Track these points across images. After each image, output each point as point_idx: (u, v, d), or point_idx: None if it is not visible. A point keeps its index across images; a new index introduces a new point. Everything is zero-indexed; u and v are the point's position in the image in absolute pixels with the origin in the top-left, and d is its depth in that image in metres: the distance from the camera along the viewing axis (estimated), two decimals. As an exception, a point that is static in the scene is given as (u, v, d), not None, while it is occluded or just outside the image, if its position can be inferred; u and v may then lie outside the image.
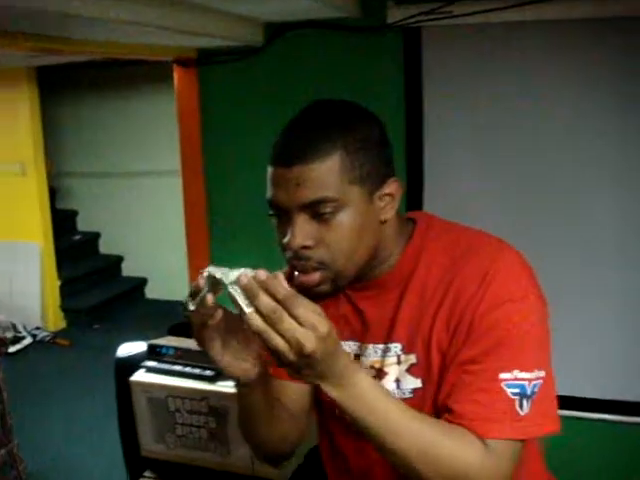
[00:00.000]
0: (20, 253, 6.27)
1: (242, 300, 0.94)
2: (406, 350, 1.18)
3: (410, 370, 1.18)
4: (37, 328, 6.18)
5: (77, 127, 7.02)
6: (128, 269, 7.31)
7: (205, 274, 0.98)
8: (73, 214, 7.37)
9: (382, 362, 1.21)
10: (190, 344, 2.50)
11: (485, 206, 2.49)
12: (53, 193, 7.01)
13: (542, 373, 1.08)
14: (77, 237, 7.26)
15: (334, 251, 1.11)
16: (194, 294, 1.00)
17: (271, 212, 1.14)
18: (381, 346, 1.21)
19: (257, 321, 0.93)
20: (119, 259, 7.32)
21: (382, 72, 2.53)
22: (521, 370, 1.06)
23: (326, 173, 1.08)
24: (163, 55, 2.79)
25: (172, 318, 3.67)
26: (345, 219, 1.10)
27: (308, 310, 0.94)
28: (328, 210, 1.09)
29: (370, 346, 1.23)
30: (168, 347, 2.61)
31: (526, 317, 1.09)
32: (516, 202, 2.49)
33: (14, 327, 6.06)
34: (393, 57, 2.49)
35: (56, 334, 6.16)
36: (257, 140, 2.60)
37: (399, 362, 1.19)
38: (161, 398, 2.45)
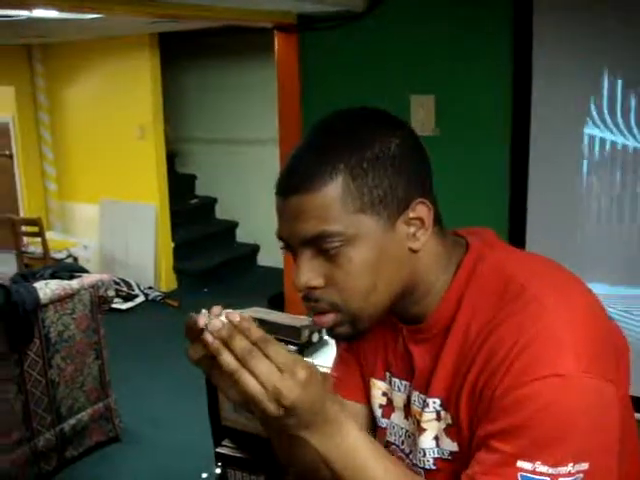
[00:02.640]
0: (137, 214, 6.47)
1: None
2: (445, 407, 1.01)
3: (447, 431, 1.01)
4: (150, 288, 6.40)
5: (198, 94, 7.15)
6: (242, 235, 7.40)
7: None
8: (192, 178, 7.52)
9: (421, 415, 1.04)
10: (278, 318, 2.47)
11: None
12: (173, 157, 7.19)
13: (584, 466, 0.86)
14: (194, 201, 7.41)
15: (345, 292, 0.96)
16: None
17: (282, 245, 1.00)
18: (423, 397, 1.05)
19: (229, 358, 0.82)
20: (234, 225, 7.42)
21: (488, 36, 2.37)
22: (544, 463, 0.85)
23: (326, 203, 0.92)
24: (265, 20, 2.74)
25: (279, 287, 3.69)
26: (355, 255, 0.94)
27: (285, 353, 0.84)
28: (333, 245, 0.93)
29: (415, 393, 1.07)
30: (254, 319, 2.58)
31: (567, 399, 0.86)
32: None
33: (128, 285, 6.29)
34: (500, 21, 2.32)
35: (167, 295, 6.35)
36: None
37: (439, 419, 1.02)
38: (241, 368, 2.43)
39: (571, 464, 0.85)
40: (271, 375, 0.82)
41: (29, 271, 3.96)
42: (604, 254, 2.25)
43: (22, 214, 7.01)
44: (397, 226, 0.96)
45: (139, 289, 6.32)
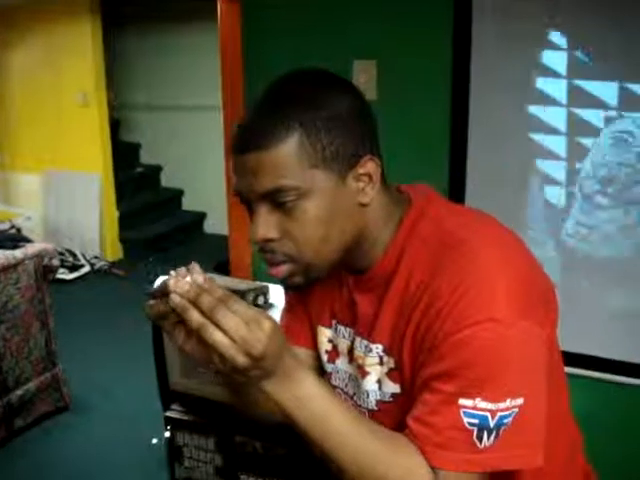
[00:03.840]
0: (81, 183, 6.37)
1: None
2: (387, 352, 1.08)
3: (390, 374, 1.08)
4: (95, 257, 6.33)
5: (142, 60, 7.03)
6: (188, 203, 7.36)
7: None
8: (136, 147, 7.43)
9: (364, 359, 1.12)
10: (224, 282, 2.49)
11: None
12: (117, 125, 7.08)
13: (519, 401, 0.94)
14: (139, 170, 7.33)
15: (300, 243, 1.02)
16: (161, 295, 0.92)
17: (238, 200, 1.07)
18: (366, 342, 1.12)
19: (195, 315, 0.87)
20: (179, 193, 7.37)
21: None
22: (484, 399, 0.93)
23: (282, 159, 0.97)
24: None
25: (226, 254, 3.70)
26: (310, 208, 1.00)
27: (249, 308, 0.89)
28: (289, 199, 0.99)
29: (358, 339, 1.14)
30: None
31: (501, 340, 0.94)
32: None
33: (73, 255, 6.22)
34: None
35: (113, 264, 6.30)
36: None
37: (381, 363, 1.09)
38: (188, 333, 2.45)
39: (509, 399, 0.94)
40: (239, 327, 0.87)
41: (-29, 242, 3.89)
42: (541, 215, 2.32)
43: (-39, 185, 6.85)
44: (348, 181, 1.02)
45: (85, 259, 6.26)
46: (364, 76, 2.50)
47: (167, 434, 2.55)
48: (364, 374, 1.11)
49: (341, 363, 1.21)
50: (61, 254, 6.11)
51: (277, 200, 0.99)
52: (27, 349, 3.45)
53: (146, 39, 6.93)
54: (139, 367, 3.23)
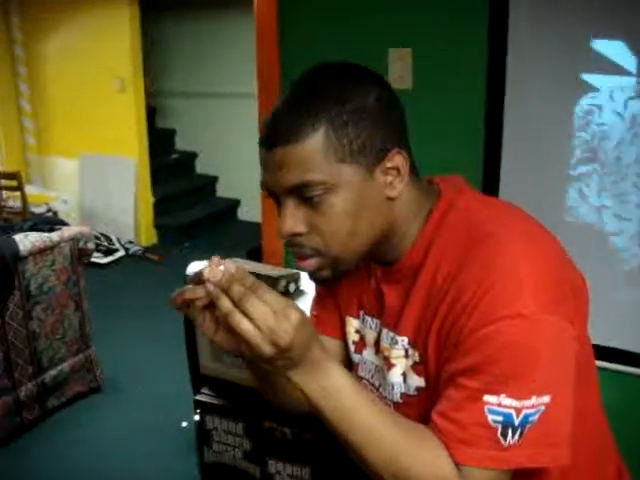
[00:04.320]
0: (117, 168, 6.44)
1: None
2: (413, 345, 1.07)
3: (414, 368, 1.07)
4: (130, 242, 6.40)
5: (178, 47, 7.07)
6: (222, 190, 7.40)
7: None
8: (172, 133, 7.48)
9: (390, 351, 1.11)
10: (257, 268, 2.51)
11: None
12: (153, 111, 7.14)
13: (545, 399, 0.93)
14: (174, 156, 7.38)
15: (327, 237, 1.02)
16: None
17: (266, 195, 1.06)
18: (392, 334, 1.11)
19: (226, 302, 0.88)
20: (214, 179, 7.41)
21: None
22: (509, 396, 0.92)
23: (309, 154, 0.97)
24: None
25: (259, 240, 3.71)
26: (337, 202, 0.99)
27: (278, 297, 0.90)
28: (316, 193, 0.98)
29: (385, 331, 1.14)
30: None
31: (527, 337, 0.92)
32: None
33: (108, 239, 6.29)
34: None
35: (147, 249, 6.37)
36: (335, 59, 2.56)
37: (407, 356, 1.08)
38: (219, 318, 2.47)
39: (534, 397, 0.92)
40: (266, 317, 0.87)
41: (8, 224, 3.96)
42: (576, 204, 2.30)
43: (0, 168, 6.95)
44: (375, 175, 1.01)
45: (119, 243, 6.33)
46: (399, 64, 2.48)
47: (196, 417, 2.58)
48: (390, 366, 1.11)
49: (368, 354, 1.21)
50: (96, 238, 6.19)
51: (304, 195, 0.99)
52: (61, 330, 3.50)
53: (183, 25, 6.96)
54: (170, 351, 3.28)
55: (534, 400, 0.92)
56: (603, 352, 2.00)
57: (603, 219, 2.24)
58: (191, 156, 7.43)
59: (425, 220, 1.07)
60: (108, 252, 6.14)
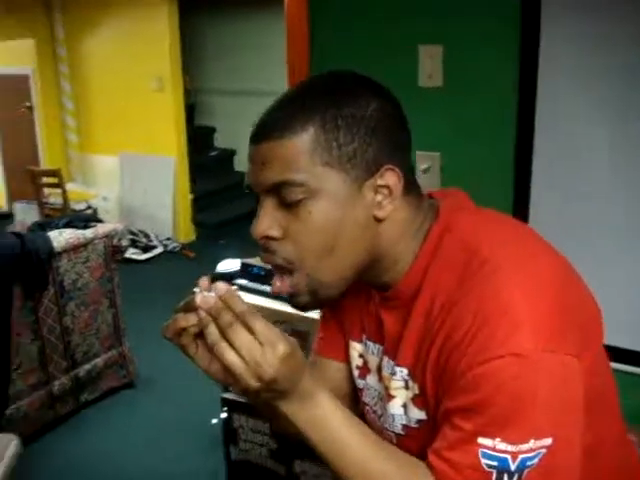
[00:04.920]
0: (155, 166, 6.51)
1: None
2: (412, 376, 0.99)
3: (414, 400, 0.99)
4: (168, 239, 6.46)
5: (216, 45, 7.14)
6: (260, 188, 7.40)
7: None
8: (211, 130, 7.52)
9: (389, 382, 1.04)
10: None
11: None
12: (192, 110, 7.19)
13: (546, 441, 0.85)
14: (213, 153, 7.42)
15: (302, 249, 0.94)
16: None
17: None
18: (392, 363, 1.03)
19: (213, 331, 0.84)
20: (253, 177, 7.40)
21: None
22: (504, 440, 0.84)
23: (294, 152, 0.91)
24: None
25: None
26: (317, 209, 0.91)
27: (268, 327, 0.85)
28: (296, 195, 0.91)
29: (385, 359, 1.06)
30: (260, 267, 2.62)
31: (524, 378, 0.84)
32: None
33: (147, 236, 6.36)
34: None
35: (185, 246, 6.42)
36: (364, 62, 2.54)
37: (407, 387, 1.00)
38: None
39: (532, 440, 0.85)
40: (252, 348, 0.83)
41: (46, 221, 4.02)
42: (609, 209, 2.25)
43: (43, 166, 7.08)
44: (364, 190, 0.94)
45: (157, 240, 6.39)
46: (430, 61, 2.46)
47: (223, 415, 2.59)
48: (389, 397, 1.04)
49: (371, 380, 1.13)
50: (134, 235, 6.27)
51: (283, 196, 0.92)
52: (95, 326, 3.55)
53: (221, 24, 7.01)
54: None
55: (532, 444, 0.85)
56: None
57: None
58: (230, 153, 7.47)
59: (421, 243, 0.99)
60: (146, 249, 6.20)
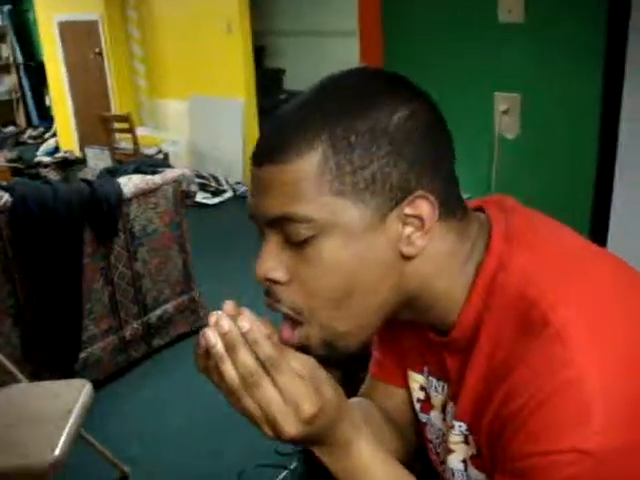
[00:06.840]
0: (225, 109, 6.46)
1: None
2: (472, 432, 0.84)
3: (473, 460, 0.85)
4: (238, 183, 6.44)
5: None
6: (331, 132, 7.32)
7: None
8: (280, 73, 7.41)
9: (448, 434, 0.89)
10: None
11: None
12: (261, 52, 7.09)
13: None
14: (283, 96, 7.32)
15: (311, 295, 0.77)
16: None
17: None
18: (453, 412, 0.89)
19: (232, 372, 0.72)
20: (322, 120, 7.32)
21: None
22: None
23: (297, 179, 0.73)
24: None
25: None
26: (328, 249, 0.74)
27: (295, 381, 0.72)
28: (301, 233, 0.74)
29: (450, 404, 0.90)
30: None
31: (590, 478, 0.67)
32: None
33: (217, 180, 6.36)
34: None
35: (255, 190, 6.38)
36: (440, 5, 2.41)
37: (467, 442, 0.85)
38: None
39: None
40: (272, 404, 0.72)
41: (114, 167, 4.03)
42: None
43: (113, 111, 7.12)
44: (388, 221, 0.75)
45: (227, 184, 6.38)
46: (506, 110, 2.33)
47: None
48: (449, 451, 0.89)
49: (435, 417, 0.97)
50: (205, 179, 6.27)
51: (287, 232, 0.75)
52: (165, 271, 3.56)
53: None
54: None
55: None
56: None
57: None
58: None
59: (471, 279, 0.81)
60: (216, 193, 6.21)
